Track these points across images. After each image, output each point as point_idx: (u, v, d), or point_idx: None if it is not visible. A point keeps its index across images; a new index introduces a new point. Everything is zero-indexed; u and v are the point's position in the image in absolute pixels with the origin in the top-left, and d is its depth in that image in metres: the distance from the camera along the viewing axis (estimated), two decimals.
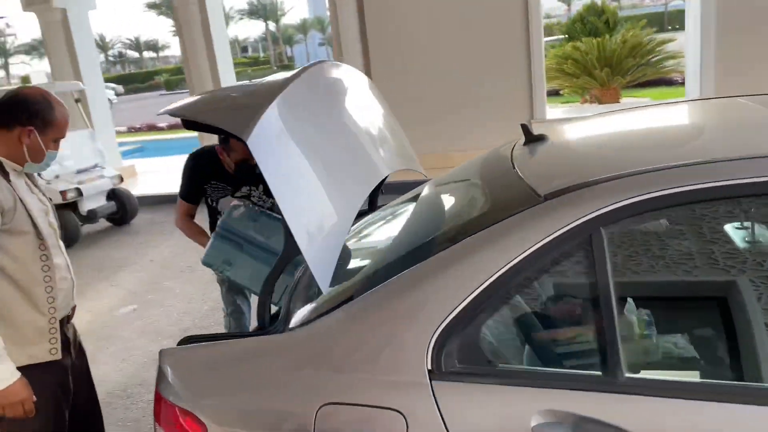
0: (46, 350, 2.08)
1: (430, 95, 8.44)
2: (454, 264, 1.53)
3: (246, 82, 2.88)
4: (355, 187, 1.89)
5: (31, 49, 68.89)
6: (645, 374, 1.49)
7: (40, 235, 2.04)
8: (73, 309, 2.30)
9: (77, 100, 7.73)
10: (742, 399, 1.33)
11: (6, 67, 66.27)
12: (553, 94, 14.12)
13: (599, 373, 1.41)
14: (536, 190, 1.57)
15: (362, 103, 2.23)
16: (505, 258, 1.47)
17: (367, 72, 8.57)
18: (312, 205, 1.70)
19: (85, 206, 7.26)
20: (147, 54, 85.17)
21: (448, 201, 2.04)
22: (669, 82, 11.30)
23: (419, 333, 1.50)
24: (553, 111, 9.40)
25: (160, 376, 1.76)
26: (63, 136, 2.12)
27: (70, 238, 7.22)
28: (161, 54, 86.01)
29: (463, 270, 1.51)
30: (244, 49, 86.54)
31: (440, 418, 1.43)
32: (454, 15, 8.08)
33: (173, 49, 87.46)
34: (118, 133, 19.53)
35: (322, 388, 1.55)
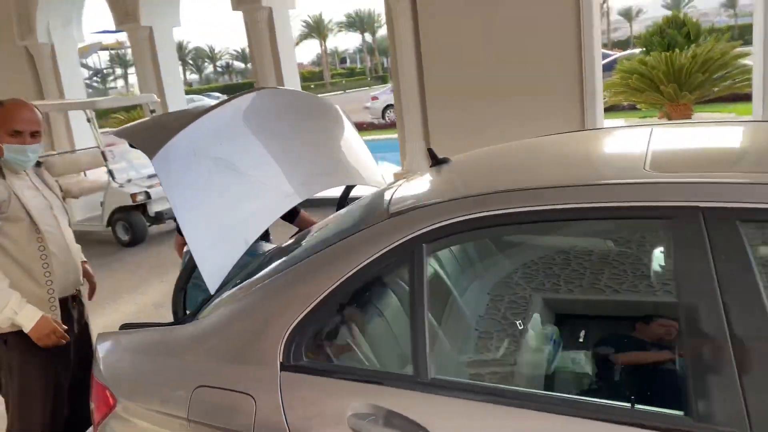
0: (47, 308, 2.49)
1: (480, 109, 8.55)
2: (310, 271, 1.76)
3: (191, 107, 3.19)
4: (264, 205, 2.15)
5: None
6: (450, 377, 1.64)
7: (34, 222, 2.44)
8: (79, 291, 2.71)
9: (152, 111, 8.45)
10: (555, 409, 1.38)
11: (125, 76, 71.70)
12: (632, 108, 13.74)
13: (410, 372, 1.59)
14: (389, 210, 1.76)
15: (296, 127, 2.48)
16: (348, 267, 1.68)
17: (421, 85, 8.82)
18: (210, 221, 1.97)
19: (153, 208, 7.93)
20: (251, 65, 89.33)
21: (348, 213, 2.23)
22: (747, 98, 10.69)
23: (276, 330, 1.74)
24: (613, 123, 9.22)
25: (95, 356, 2.10)
26: (19, 130, 2.42)
27: (137, 238, 7.94)
28: None
29: (314, 276, 1.74)
30: (343, 61, 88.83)
31: (281, 402, 1.66)
32: (506, 29, 8.15)
33: None
34: None
35: (199, 373, 1.82)
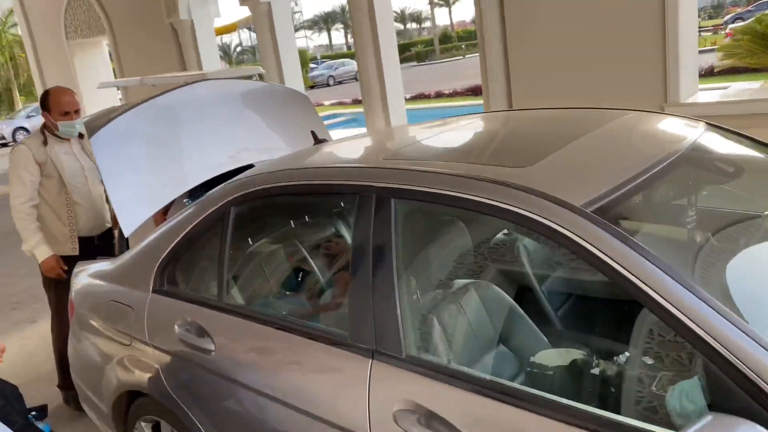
0: (69, 248, 3.43)
1: (562, 81, 8.51)
2: (175, 222, 2.43)
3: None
4: (184, 176, 2.82)
5: (313, 24, 78.10)
6: (239, 303, 2.23)
7: (62, 179, 3.36)
8: (105, 232, 3.61)
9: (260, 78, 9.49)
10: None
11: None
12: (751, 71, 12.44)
13: (214, 296, 2.20)
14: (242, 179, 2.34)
15: (234, 113, 3.11)
16: (195, 219, 2.32)
17: (505, 54, 8.94)
18: (133, 185, 2.69)
19: None
20: (410, 26, 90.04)
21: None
22: None
23: (152, 264, 2.44)
24: (709, 94, 8.60)
25: (71, 280, 2.95)
26: (67, 111, 3.31)
27: None
28: (423, 26, 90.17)
29: (178, 225, 2.40)
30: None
31: (145, 314, 2.37)
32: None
33: (436, 19, 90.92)
34: (336, 104, 21.55)
35: (112, 292, 2.59)
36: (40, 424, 3.02)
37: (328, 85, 34.60)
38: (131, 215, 2.66)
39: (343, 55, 47.60)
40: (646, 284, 1.31)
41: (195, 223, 2.32)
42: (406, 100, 12.39)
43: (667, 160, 1.71)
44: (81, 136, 3.58)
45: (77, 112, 3.40)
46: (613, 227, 1.41)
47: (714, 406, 1.23)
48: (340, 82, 35.02)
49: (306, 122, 3.32)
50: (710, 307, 1.25)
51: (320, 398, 1.80)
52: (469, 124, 2.47)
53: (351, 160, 2.14)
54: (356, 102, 19.86)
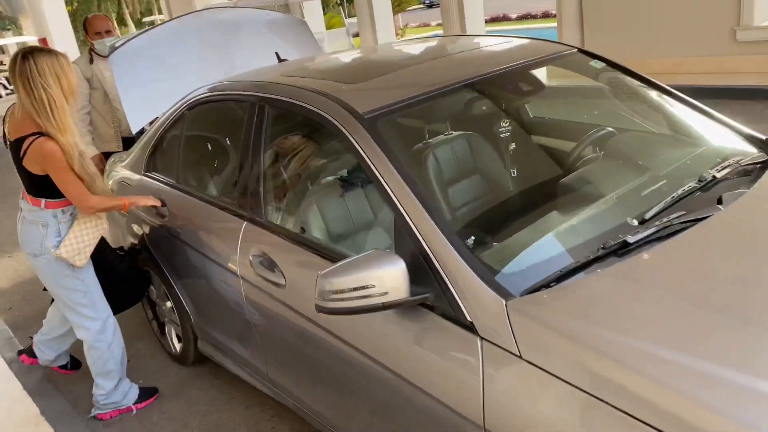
0: (115, 146, 4.36)
1: (631, 11, 8.32)
2: (161, 120, 3.18)
3: None
4: (177, 91, 3.54)
5: None
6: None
7: (105, 91, 4.24)
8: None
9: (338, 4, 10.04)
10: None
11: None
12: None
13: (174, 178, 2.96)
14: (194, 92, 3.05)
15: (230, 39, 3.77)
16: (167, 119, 3.07)
17: None
18: (140, 95, 3.47)
19: None
20: None
21: None
22: None
23: (144, 151, 3.23)
24: None
25: None
26: (99, 31, 4.12)
27: None
28: None
29: (161, 122, 3.15)
30: None
31: (137, 191, 3.18)
32: None
33: None
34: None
35: (123, 174, 3.42)
36: None
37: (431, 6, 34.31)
38: (137, 118, 3.47)
39: None
40: (382, 178, 1.83)
41: (166, 123, 3.07)
42: (486, 21, 12.40)
43: (458, 83, 2.18)
44: None
45: (108, 32, 4.19)
46: (376, 131, 1.94)
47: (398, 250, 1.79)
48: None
49: (299, 45, 3.92)
50: (415, 195, 1.77)
51: (217, 246, 2.53)
52: (382, 48, 2.97)
53: (256, 76, 2.73)
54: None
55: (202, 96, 2.84)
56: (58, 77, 2.40)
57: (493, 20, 19.51)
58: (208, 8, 3.84)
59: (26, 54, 2.41)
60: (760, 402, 1.21)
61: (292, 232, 2.27)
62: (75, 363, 3.27)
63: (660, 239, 1.68)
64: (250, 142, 2.44)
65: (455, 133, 2.53)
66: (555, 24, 9.66)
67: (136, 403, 2.98)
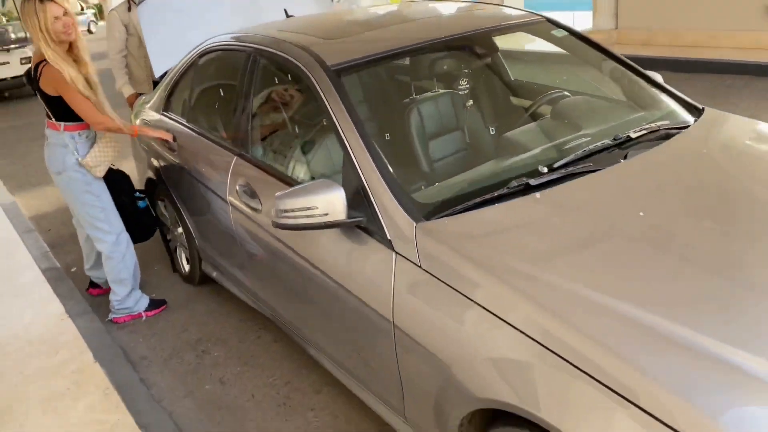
0: (147, 88, 4.80)
1: None
2: (178, 65, 3.58)
3: None
4: (196, 41, 3.92)
5: None
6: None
7: (140, 38, 4.66)
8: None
9: None
10: None
11: None
12: None
13: (185, 118, 3.36)
14: (205, 42, 3.42)
15: None
16: (182, 64, 3.46)
17: None
18: (164, 42, 3.86)
19: None
20: None
21: None
22: None
23: (165, 91, 3.64)
24: None
25: None
26: None
27: None
28: None
29: (177, 67, 3.55)
30: None
31: (156, 127, 3.61)
32: None
33: None
34: None
35: (145, 111, 3.85)
36: (141, 203, 4.26)
37: None
38: (160, 64, 3.87)
39: None
40: (337, 121, 2.18)
41: (181, 68, 3.47)
42: None
43: (420, 44, 2.49)
44: None
45: None
46: (338, 82, 2.28)
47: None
48: None
49: (310, 3, 4.24)
50: (360, 137, 2.11)
51: (214, 177, 2.94)
52: (377, 10, 3.27)
53: (256, 30, 3.07)
54: None
55: (211, 46, 3.21)
56: (32, 19, 2.83)
57: None
58: None
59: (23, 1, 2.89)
60: (612, 318, 1.52)
61: (270, 166, 2.65)
62: None
63: (557, 182, 1.99)
64: (243, 88, 2.81)
65: (421, 96, 2.84)
66: None
67: (146, 311, 3.47)
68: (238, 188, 2.70)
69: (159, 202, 3.84)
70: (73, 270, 4.07)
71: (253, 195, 2.60)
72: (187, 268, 3.77)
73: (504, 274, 1.66)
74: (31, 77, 3.01)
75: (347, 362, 2.31)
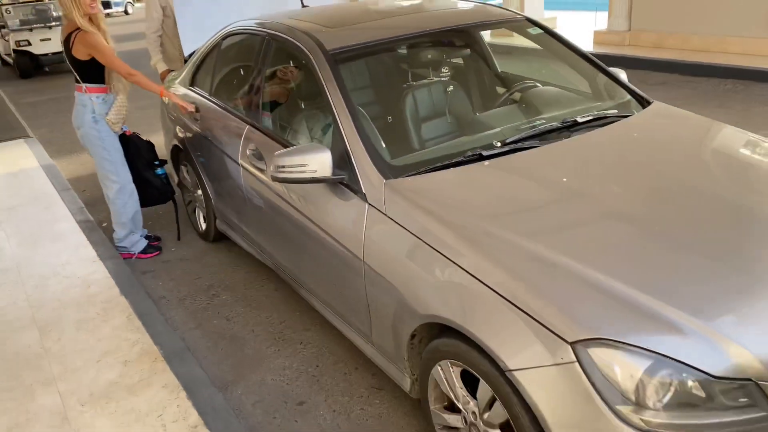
0: (178, 66, 5.27)
1: None
2: (204, 46, 4.05)
3: None
4: (223, 24, 4.39)
5: None
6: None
7: (174, 18, 5.16)
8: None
9: None
10: None
11: None
12: None
13: (208, 92, 3.84)
14: (228, 26, 3.88)
15: None
16: (208, 45, 3.94)
17: None
18: (193, 24, 4.34)
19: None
20: None
21: None
22: None
23: (192, 68, 4.12)
24: None
25: None
26: None
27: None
28: None
29: (203, 47, 4.03)
30: None
31: (180, 102, 4.10)
32: None
33: None
34: None
35: (174, 87, 4.34)
36: (159, 171, 4.62)
37: None
38: (189, 42, 4.36)
39: None
40: (330, 97, 2.62)
41: (206, 49, 3.94)
42: None
43: (409, 35, 2.92)
44: None
45: None
46: (334, 65, 2.71)
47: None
48: None
49: None
50: (348, 109, 2.55)
51: (229, 142, 3.41)
52: (380, 3, 3.70)
53: (271, 17, 3.51)
54: None
55: (232, 30, 3.68)
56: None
57: None
58: None
59: None
60: (521, 253, 1.93)
61: (275, 133, 3.11)
62: (156, 238, 4.37)
63: (505, 155, 2.41)
64: (257, 66, 3.27)
65: (407, 80, 3.27)
66: None
67: (141, 253, 4.08)
68: (248, 152, 3.16)
69: (182, 167, 4.33)
70: (104, 225, 4.58)
71: (260, 158, 3.06)
72: (203, 226, 4.25)
73: (444, 217, 2.09)
74: (63, 46, 3.64)
75: (329, 299, 2.76)
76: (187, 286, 3.74)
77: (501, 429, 1.92)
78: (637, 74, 8.26)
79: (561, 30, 11.63)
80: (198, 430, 2.36)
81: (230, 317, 3.37)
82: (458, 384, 2.04)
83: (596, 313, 1.68)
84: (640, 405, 1.58)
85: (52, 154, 6.58)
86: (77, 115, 3.81)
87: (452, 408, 2.16)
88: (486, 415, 1.95)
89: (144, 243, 4.15)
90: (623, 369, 1.60)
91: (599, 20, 11.34)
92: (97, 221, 4.59)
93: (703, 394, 1.58)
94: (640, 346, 1.60)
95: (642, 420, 1.57)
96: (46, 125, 8.17)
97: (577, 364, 1.63)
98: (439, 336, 2.07)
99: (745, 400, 1.59)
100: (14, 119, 8.28)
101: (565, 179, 2.24)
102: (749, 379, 1.58)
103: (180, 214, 4.40)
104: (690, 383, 1.58)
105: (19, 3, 13.51)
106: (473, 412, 2.01)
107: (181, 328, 3.28)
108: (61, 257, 3.91)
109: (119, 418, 2.47)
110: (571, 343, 1.64)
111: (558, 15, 12.66)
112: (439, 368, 2.09)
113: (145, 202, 4.10)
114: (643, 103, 2.97)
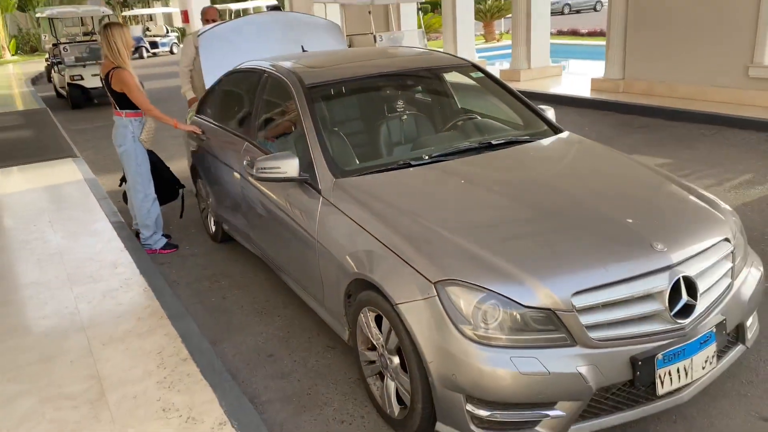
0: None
1: (668, 39, 9.31)
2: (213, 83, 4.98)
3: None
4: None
5: None
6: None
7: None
8: None
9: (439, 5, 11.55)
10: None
11: None
12: None
13: (213, 119, 4.73)
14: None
15: (284, 34, 5.51)
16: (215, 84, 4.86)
17: (626, 8, 9.85)
18: (216, 65, 5.28)
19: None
20: None
21: None
22: None
23: (203, 104, 5.04)
24: None
25: None
26: (207, 19, 6.13)
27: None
28: None
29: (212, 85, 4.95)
30: None
31: (193, 129, 5.00)
32: None
33: None
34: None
35: (194, 117, 5.26)
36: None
37: (561, 13, 34.52)
38: (210, 77, 5.29)
39: None
40: (302, 120, 3.45)
41: (212, 85, 4.87)
42: (552, 35, 13.47)
43: (371, 75, 3.76)
44: None
45: (214, 20, 6.10)
46: (309, 95, 3.55)
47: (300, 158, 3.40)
48: (577, 11, 35.09)
49: (327, 42, 5.61)
50: (315, 133, 3.37)
51: (230, 157, 4.26)
52: (364, 50, 4.56)
53: (271, 59, 4.39)
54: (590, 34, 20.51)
55: (236, 68, 4.58)
56: (121, 39, 4.43)
57: (560, 33, 20.50)
58: (275, 11, 5.58)
59: (106, 26, 4.51)
60: (415, 226, 2.69)
61: (264, 147, 3.95)
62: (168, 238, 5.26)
63: (429, 164, 3.19)
64: (254, 97, 4.14)
65: (368, 108, 4.10)
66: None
67: (162, 249, 4.95)
68: (245, 163, 4.00)
69: (198, 180, 5.21)
70: (133, 228, 5.46)
71: (252, 167, 3.90)
72: (213, 228, 5.10)
73: (368, 204, 2.87)
74: (104, 81, 4.61)
75: (297, 274, 3.54)
76: (194, 274, 4.56)
77: (398, 353, 2.65)
78: (625, 118, 8.99)
79: (565, 77, 12.48)
80: (187, 362, 3.14)
81: (226, 297, 4.17)
82: (373, 325, 2.78)
83: (452, 264, 2.43)
84: (475, 325, 2.31)
85: (94, 171, 7.58)
86: (118, 135, 4.70)
87: (373, 348, 2.89)
88: (387, 344, 2.68)
89: (164, 241, 5.01)
90: (465, 300, 2.33)
91: (599, 69, 12.13)
92: (126, 223, 5.48)
93: (519, 319, 2.30)
94: (477, 284, 2.33)
95: (475, 335, 2.29)
96: (90, 148, 9.26)
97: (437, 297, 2.37)
98: (362, 291, 2.83)
99: (551, 326, 2.31)
100: (65, 142, 9.39)
101: (463, 181, 3.01)
102: (549, 309, 2.29)
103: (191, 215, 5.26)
104: (509, 310, 2.30)
105: (75, 42, 14.94)
106: (381, 345, 2.74)
107: (185, 302, 4.09)
108: (96, 247, 4.79)
109: (130, 353, 3.27)
110: (434, 283, 2.38)
111: (566, 63, 13.52)
112: (362, 315, 2.84)
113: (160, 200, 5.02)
114: (557, 131, 3.72)
